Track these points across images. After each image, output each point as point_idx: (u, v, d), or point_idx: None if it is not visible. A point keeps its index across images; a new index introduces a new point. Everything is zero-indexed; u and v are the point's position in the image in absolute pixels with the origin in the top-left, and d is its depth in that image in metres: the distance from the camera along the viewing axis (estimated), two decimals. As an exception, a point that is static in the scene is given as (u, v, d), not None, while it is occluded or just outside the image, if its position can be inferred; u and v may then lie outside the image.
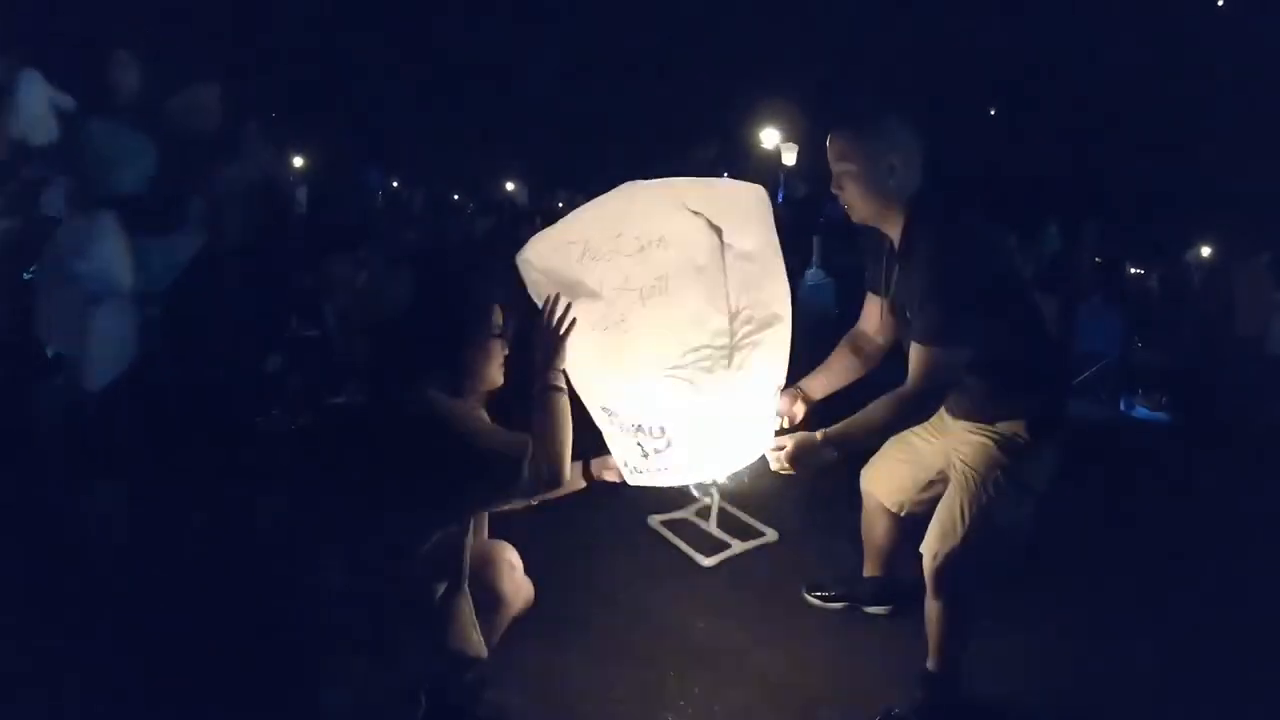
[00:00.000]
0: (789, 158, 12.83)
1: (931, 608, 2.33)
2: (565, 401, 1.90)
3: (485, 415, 2.03)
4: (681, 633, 2.80)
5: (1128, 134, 18.92)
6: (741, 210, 2.00)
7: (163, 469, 3.79)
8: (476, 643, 1.90)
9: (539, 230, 2.10)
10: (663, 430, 1.99)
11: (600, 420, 2.10)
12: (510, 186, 14.52)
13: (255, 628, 2.52)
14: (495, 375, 1.99)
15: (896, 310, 2.31)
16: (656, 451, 2.02)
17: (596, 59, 21.53)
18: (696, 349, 1.91)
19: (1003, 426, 2.23)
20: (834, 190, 2.25)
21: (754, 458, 2.16)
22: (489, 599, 2.00)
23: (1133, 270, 11.16)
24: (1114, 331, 6.66)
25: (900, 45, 19.84)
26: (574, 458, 2.13)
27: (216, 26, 17.05)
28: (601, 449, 2.19)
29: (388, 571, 1.81)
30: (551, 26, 22.01)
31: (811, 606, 2.97)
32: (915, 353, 2.11)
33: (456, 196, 16.54)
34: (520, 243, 2.09)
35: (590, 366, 2.00)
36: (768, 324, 1.99)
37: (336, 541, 1.90)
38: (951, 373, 2.11)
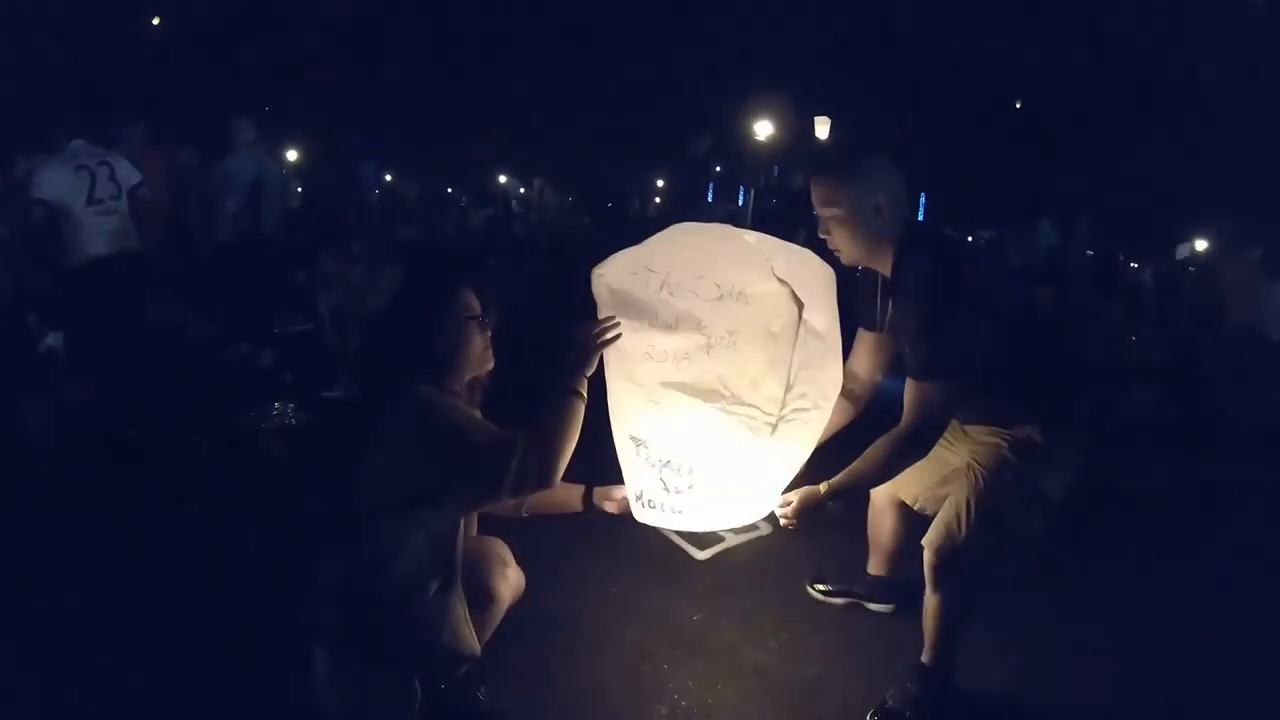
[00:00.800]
0: (822, 132, 12.71)
1: (929, 601, 2.34)
2: (580, 408, 1.88)
3: (474, 411, 2.02)
4: (675, 625, 2.81)
5: (1121, 129, 18.94)
6: (820, 286, 2.01)
7: (154, 464, 3.79)
8: (469, 640, 1.89)
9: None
10: (692, 471, 2.01)
11: (625, 448, 2.09)
12: (503, 179, 14.48)
13: (248, 624, 2.52)
14: (478, 360, 1.97)
15: (894, 345, 2.33)
16: (678, 491, 2.03)
17: (590, 52, 21.46)
18: (747, 406, 1.94)
19: (1017, 430, 2.25)
20: (821, 235, 2.25)
21: (761, 515, 2.17)
22: (481, 595, 2.00)
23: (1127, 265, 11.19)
24: (1108, 326, 6.67)
25: (893, 39, 19.83)
26: (579, 483, 2.14)
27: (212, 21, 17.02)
28: (603, 480, 2.19)
29: (379, 568, 1.79)
30: (545, 18, 21.94)
31: (810, 600, 2.97)
32: (912, 389, 2.13)
33: (450, 190, 16.50)
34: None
35: (634, 394, 2.02)
36: (816, 405, 2.01)
37: (328, 537, 1.89)
38: (949, 407, 2.13)
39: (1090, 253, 9.28)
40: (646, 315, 1.97)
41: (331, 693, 1.83)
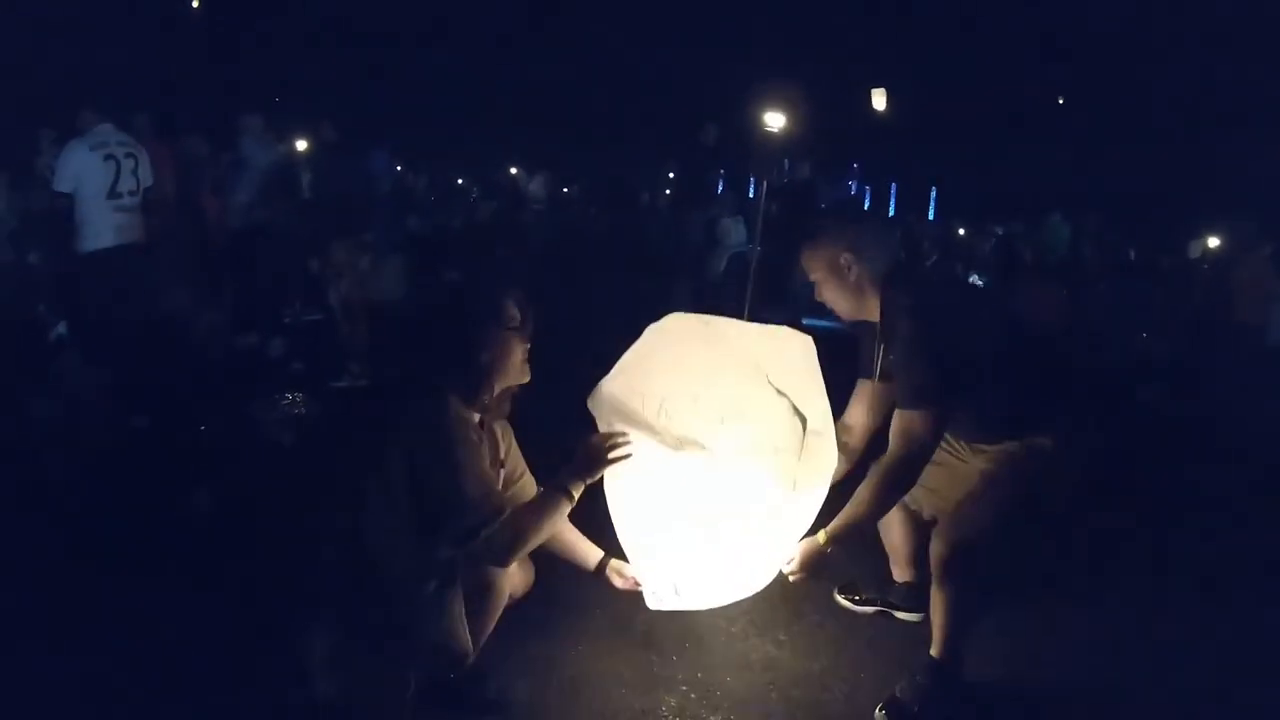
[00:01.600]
0: (879, 102, 12.60)
1: (938, 595, 2.35)
2: (565, 510, 1.87)
3: (506, 428, 2.01)
4: (682, 617, 2.80)
5: (1131, 128, 18.85)
6: (809, 369, 2.01)
7: (161, 452, 3.81)
8: (463, 639, 1.87)
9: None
10: (700, 578, 2.05)
11: (634, 555, 2.11)
12: (513, 170, 14.45)
13: (249, 613, 2.51)
14: (517, 372, 1.92)
15: (891, 393, 2.35)
16: (687, 591, 2.07)
17: (597, 44, 21.41)
18: (749, 518, 1.99)
19: (1031, 439, 2.28)
20: (817, 298, 2.39)
21: (769, 580, 2.16)
22: (481, 587, 1.98)
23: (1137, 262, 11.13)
24: (1118, 323, 6.65)
25: (898, 33, 19.75)
26: (602, 546, 2.19)
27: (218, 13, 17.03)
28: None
29: (378, 562, 1.77)
30: (552, 10, 21.90)
31: (817, 592, 2.95)
32: (898, 418, 2.17)
33: (461, 180, 16.50)
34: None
35: (640, 511, 2.04)
36: (814, 487, 2.02)
37: (329, 528, 1.85)
38: (934, 434, 2.16)
39: (1101, 250, 9.25)
40: (650, 434, 1.98)
41: (325, 681, 1.82)
